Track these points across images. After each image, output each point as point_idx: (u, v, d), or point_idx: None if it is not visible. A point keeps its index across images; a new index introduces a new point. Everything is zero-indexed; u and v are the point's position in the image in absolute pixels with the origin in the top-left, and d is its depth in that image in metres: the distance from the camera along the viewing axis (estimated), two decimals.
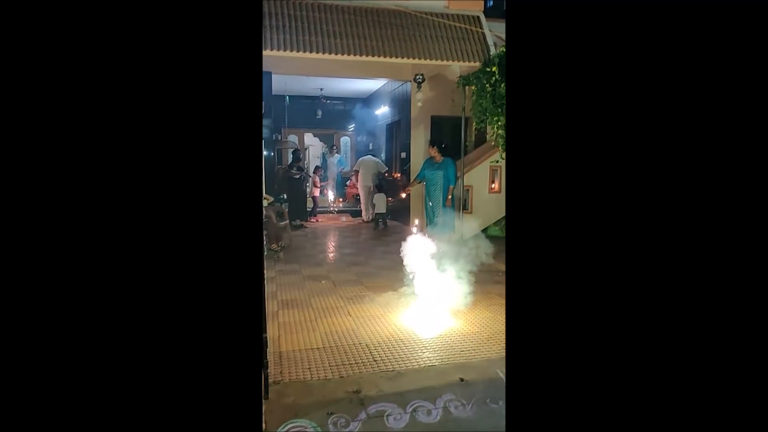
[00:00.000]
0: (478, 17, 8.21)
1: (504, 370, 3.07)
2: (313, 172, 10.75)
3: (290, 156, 10.14)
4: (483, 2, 8.40)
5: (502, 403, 2.72)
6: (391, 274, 5.41)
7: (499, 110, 6.29)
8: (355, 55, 7.38)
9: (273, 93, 9.28)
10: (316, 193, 10.55)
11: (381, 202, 9.09)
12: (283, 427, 2.49)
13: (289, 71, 8.11)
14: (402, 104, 9.77)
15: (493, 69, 6.36)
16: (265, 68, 5.98)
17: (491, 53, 7.55)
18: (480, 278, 4.91)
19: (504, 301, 4.52)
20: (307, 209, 9.99)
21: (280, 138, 11.96)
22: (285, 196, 9.10)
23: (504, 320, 4.06)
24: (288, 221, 7.26)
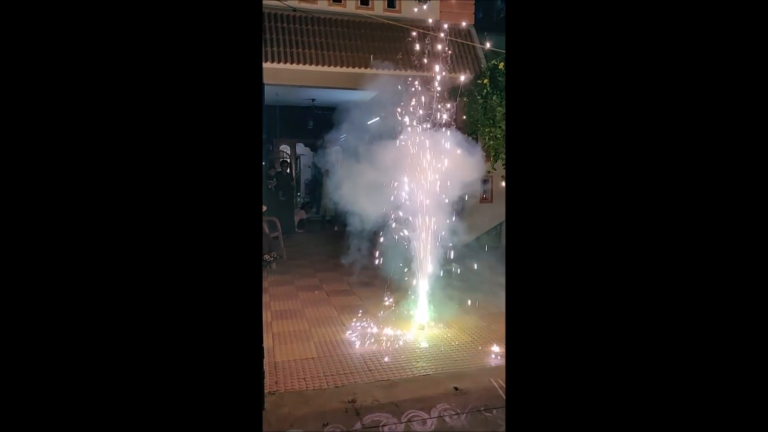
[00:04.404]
0: (469, 30, 8.34)
1: (497, 379, 3.10)
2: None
3: (278, 166, 10.12)
4: (473, 15, 8.54)
5: (496, 412, 2.75)
6: (384, 284, 5.42)
7: (490, 122, 6.38)
8: (346, 67, 7.46)
9: (265, 103, 9.31)
10: (303, 215, 10.62)
11: None
12: None
13: (281, 82, 8.16)
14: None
15: (485, 81, 6.46)
16: None
17: (482, 66, 7.66)
18: (473, 287, 4.95)
19: (498, 310, 4.56)
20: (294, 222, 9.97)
21: (272, 148, 11.96)
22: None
23: (497, 329, 4.10)
24: (280, 232, 7.25)
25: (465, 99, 7.06)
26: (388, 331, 4.09)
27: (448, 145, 4.15)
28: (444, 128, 4.22)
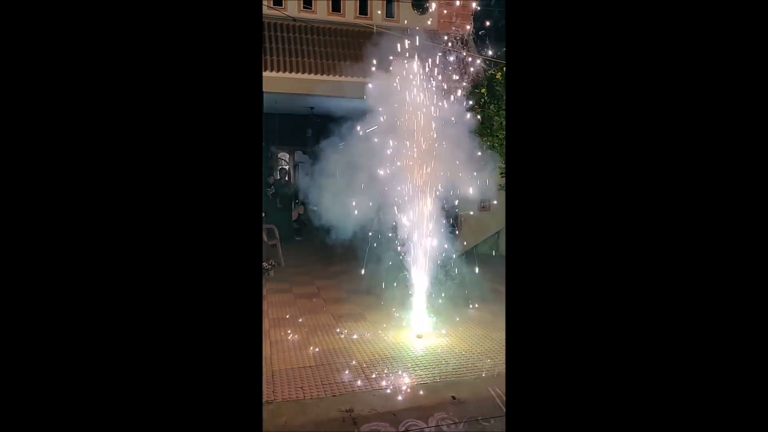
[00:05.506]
0: (467, 39, 8.40)
1: (495, 388, 3.10)
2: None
3: (277, 174, 10.16)
4: (472, 24, 8.61)
5: (494, 422, 2.74)
6: (382, 292, 5.42)
7: (488, 131, 6.41)
8: (344, 76, 7.50)
9: (264, 111, 9.35)
10: (302, 210, 10.60)
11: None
12: None
13: (280, 90, 8.21)
14: None
15: (482, 91, 6.50)
16: None
17: (480, 75, 7.70)
18: (471, 295, 4.95)
19: (495, 319, 4.56)
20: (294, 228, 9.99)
21: (270, 156, 12.00)
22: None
23: (496, 337, 4.09)
24: (278, 240, 7.25)
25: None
26: (386, 339, 4.08)
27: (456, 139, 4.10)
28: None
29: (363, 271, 5.17)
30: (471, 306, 4.85)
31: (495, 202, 7.27)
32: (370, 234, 4.73)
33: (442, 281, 4.70)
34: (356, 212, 4.30)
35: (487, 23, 7.79)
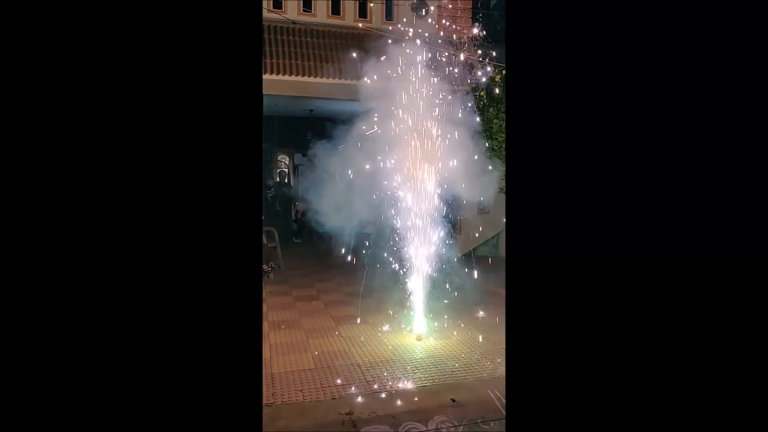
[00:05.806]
0: (467, 42, 8.42)
1: (494, 391, 3.09)
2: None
3: (277, 177, 10.18)
4: (471, 26, 8.62)
5: (493, 424, 2.74)
6: (382, 295, 5.41)
7: (487, 134, 6.41)
8: (344, 79, 7.51)
9: (264, 114, 9.36)
10: (301, 207, 10.60)
11: None
12: None
13: (280, 93, 8.23)
14: None
15: (482, 93, 6.51)
16: None
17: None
18: (470, 298, 4.94)
19: (494, 321, 4.56)
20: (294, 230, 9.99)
21: (270, 158, 12.01)
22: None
23: (495, 340, 4.09)
24: (278, 243, 7.25)
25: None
26: (385, 341, 4.08)
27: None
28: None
29: (363, 274, 5.16)
30: (470, 308, 4.85)
31: (495, 206, 7.28)
32: (370, 236, 4.72)
33: (441, 284, 4.69)
34: (356, 214, 4.31)
35: (483, 24, 7.80)
